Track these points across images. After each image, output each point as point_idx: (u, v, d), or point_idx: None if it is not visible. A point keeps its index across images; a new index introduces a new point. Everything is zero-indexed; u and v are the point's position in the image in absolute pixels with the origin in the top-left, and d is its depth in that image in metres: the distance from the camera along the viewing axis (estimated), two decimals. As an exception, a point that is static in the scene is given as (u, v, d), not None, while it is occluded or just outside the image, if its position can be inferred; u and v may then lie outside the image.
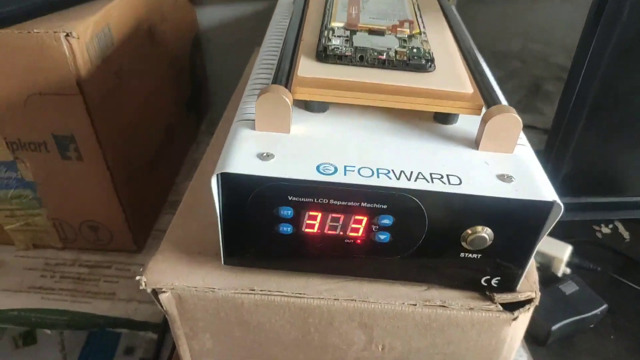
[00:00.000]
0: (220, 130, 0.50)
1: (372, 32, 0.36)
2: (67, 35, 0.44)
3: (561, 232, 0.56)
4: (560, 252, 0.52)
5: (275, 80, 0.30)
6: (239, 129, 0.30)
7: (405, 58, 0.33)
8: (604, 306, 0.46)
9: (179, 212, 0.37)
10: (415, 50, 0.34)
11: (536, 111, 0.77)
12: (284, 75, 0.31)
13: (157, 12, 0.63)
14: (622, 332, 0.48)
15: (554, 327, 0.44)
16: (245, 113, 0.31)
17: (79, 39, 0.45)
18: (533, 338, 0.47)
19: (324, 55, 0.33)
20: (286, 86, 0.30)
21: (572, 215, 0.50)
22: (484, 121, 0.29)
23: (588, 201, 0.48)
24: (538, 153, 0.32)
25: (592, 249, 0.56)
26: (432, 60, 0.33)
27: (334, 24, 0.37)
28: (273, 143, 0.29)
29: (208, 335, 0.34)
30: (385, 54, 0.33)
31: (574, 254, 0.53)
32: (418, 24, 0.38)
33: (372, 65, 0.33)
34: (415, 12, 0.40)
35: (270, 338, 0.33)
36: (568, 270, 0.53)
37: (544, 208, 0.27)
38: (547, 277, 0.51)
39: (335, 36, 0.35)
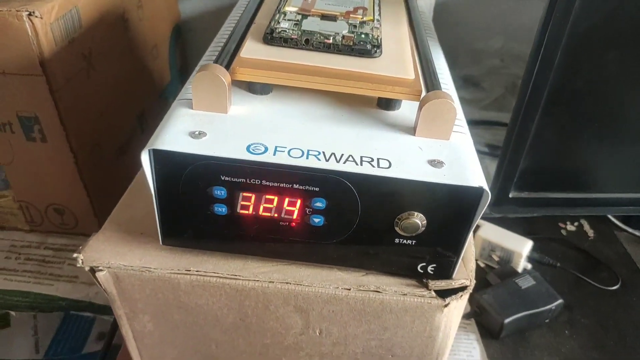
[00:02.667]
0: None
1: (324, 17, 0.36)
2: (30, 14, 0.44)
3: (526, 228, 0.57)
4: (520, 247, 0.52)
5: (217, 60, 0.30)
6: (177, 107, 0.30)
7: (351, 43, 0.33)
8: (559, 301, 0.46)
9: (128, 191, 0.37)
10: (363, 35, 0.34)
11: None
12: (227, 55, 0.31)
13: (133, -2, 0.63)
14: (577, 329, 0.48)
15: (507, 320, 0.44)
16: (187, 92, 0.31)
17: (42, 19, 0.45)
18: (487, 331, 0.47)
19: (270, 37, 0.33)
20: (227, 67, 0.30)
21: (531, 210, 0.51)
22: (420, 107, 0.29)
23: (548, 196, 0.48)
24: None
25: (555, 246, 0.56)
26: (378, 46, 0.33)
27: (288, 8, 0.37)
28: (208, 122, 0.29)
29: (148, 317, 0.34)
30: (332, 37, 0.33)
31: (535, 249, 0.54)
32: (373, 12, 0.38)
33: (318, 49, 0.33)
34: (373, 1, 0.40)
35: (209, 321, 0.33)
36: (529, 266, 0.54)
37: (473, 194, 0.27)
38: (506, 272, 0.51)
39: (285, 20, 0.35)
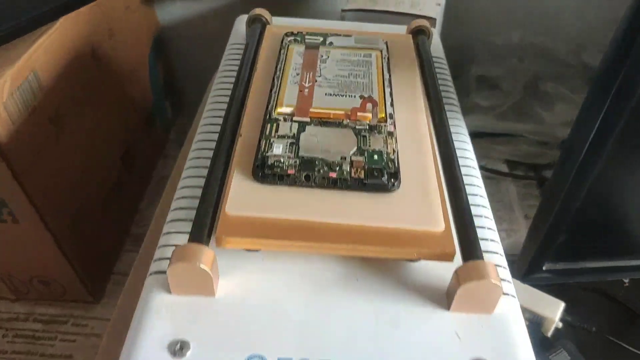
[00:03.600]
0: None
1: (325, 123, 0.29)
2: (-24, 99, 0.37)
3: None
4: (552, 312, 0.47)
5: (195, 234, 0.24)
6: (152, 291, 0.24)
7: (362, 175, 0.26)
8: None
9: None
10: (375, 157, 0.27)
11: (533, 116, 0.70)
12: (207, 217, 0.25)
13: (102, 28, 0.55)
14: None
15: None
16: (162, 258, 0.26)
17: (-9, 101, 0.38)
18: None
19: (261, 173, 0.26)
20: (209, 232, 0.24)
21: (567, 279, 0.45)
22: (457, 279, 0.23)
23: (589, 266, 0.43)
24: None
25: (588, 295, 0.51)
26: (395, 174, 0.26)
27: (280, 110, 0.30)
28: (192, 319, 0.23)
29: None
30: (337, 168, 0.26)
31: (567, 310, 0.49)
32: (384, 102, 0.31)
33: (321, 186, 0.26)
34: (382, 77, 0.33)
35: None
36: (560, 325, 0.49)
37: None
38: (538, 340, 0.46)
39: (277, 137, 0.28)
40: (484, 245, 0.25)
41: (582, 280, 0.48)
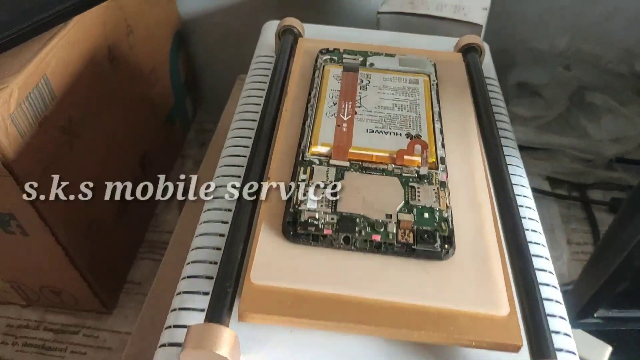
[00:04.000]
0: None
1: (366, 169, 0.26)
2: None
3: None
4: (597, 355, 0.44)
5: (213, 312, 0.20)
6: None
7: (409, 237, 0.23)
8: None
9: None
10: (426, 216, 0.23)
11: (578, 129, 0.65)
12: (228, 286, 0.21)
13: (120, 26, 0.52)
14: None
15: None
16: (176, 326, 0.22)
17: (-2, 113, 0.35)
18: None
19: (292, 232, 0.23)
20: (230, 307, 0.21)
21: (619, 325, 0.41)
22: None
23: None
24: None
25: (635, 336, 0.47)
26: (450, 238, 0.23)
27: (315, 150, 0.26)
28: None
29: None
30: (382, 229, 0.23)
31: (614, 356, 0.45)
32: (434, 142, 0.27)
33: (362, 250, 0.23)
34: (431, 111, 0.29)
35: None
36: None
37: None
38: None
39: (312, 186, 0.24)
40: (555, 339, 0.21)
41: (638, 328, 0.44)
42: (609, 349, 0.44)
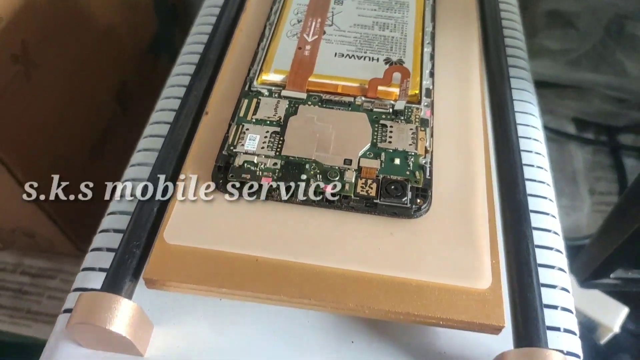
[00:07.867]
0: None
1: (328, 101, 0.20)
2: None
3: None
4: (611, 320, 0.39)
5: (112, 279, 0.16)
6: (60, 346, 0.17)
7: (372, 190, 0.17)
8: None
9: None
10: (396, 163, 0.18)
11: (614, 64, 0.57)
12: (135, 247, 0.17)
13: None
14: None
15: None
16: (81, 289, 0.18)
17: None
18: None
19: (222, 179, 0.18)
20: (136, 273, 0.16)
21: (637, 287, 0.36)
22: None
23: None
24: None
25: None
26: (424, 191, 0.18)
27: (265, 78, 0.21)
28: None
29: None
30: (337, 177, 0.18)
31: (631, 317, 0.40)
32: (421, 70, 0.21)
33: (310, 204, 0.18)
34: (422, 31, 0.23)
35: None
36: (618, 330, 0.41)
37: None
38: (587, 348, 0.39)
39: (254, 122, 0.19)
40: (552, 316, 0.17)
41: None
42: (624, 311, 0.40)
